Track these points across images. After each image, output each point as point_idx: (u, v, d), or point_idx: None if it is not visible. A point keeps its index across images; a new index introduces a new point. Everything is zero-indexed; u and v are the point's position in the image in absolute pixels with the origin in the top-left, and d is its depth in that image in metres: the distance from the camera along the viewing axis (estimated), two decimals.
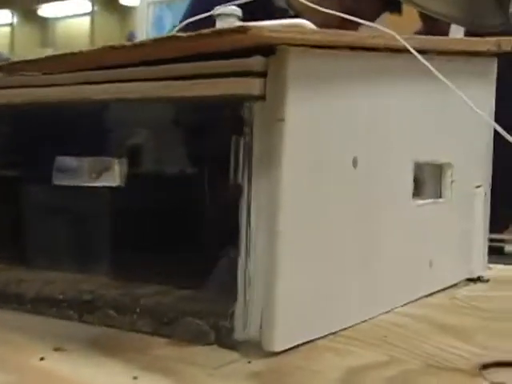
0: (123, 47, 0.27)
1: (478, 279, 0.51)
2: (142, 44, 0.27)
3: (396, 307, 0.40)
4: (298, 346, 0.31)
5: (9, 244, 0.42)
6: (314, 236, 0.32)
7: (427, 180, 0.46)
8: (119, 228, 0.38)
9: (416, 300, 0.42)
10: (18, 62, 0.31)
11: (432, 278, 0.45)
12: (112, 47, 0.27)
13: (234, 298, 0.31)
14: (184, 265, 0.33)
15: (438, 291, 0.45)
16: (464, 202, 0.49)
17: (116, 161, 0.37)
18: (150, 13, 3.45)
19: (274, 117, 0.30)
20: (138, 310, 0.34)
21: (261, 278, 0.30)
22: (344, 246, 0.35)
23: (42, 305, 0.37)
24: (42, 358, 0.29)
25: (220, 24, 1.27)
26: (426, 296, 0.44)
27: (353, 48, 0.33)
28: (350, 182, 0.35)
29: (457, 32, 1.03)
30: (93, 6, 3.62)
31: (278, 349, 0.30)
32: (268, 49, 0.29)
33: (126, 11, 3.76)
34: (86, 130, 0.40)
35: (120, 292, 0.35)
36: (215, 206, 0.32)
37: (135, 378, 0.27)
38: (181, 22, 1.45)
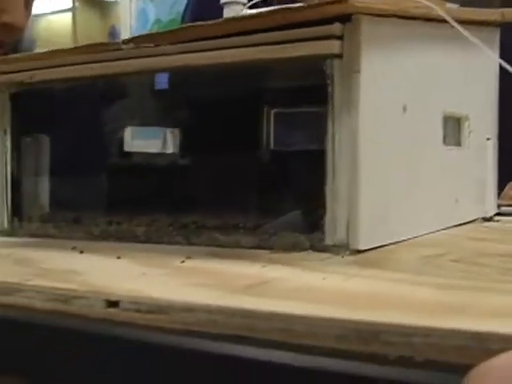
0: (243, 18, 0.36)
1: (491, 219, 0.60)
2: (260, 14, 0.36)
3: (432, 232, 0.49)
4: (374, 249, 0.40)
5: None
6: (380, 162, 0.41)
7: (449, 131, 0.56)
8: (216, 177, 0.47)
9: (447, 228, 0.52)
10: (140, 36, 0.39)
11: (457, 213, 0.54)
12: (235, 19, 0.36)
13: (324, 212, 0.40)
14: (279, 190, 0.42)
15: (462, 224, 0.55)
16: (478, 151, 0.58)
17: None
18: (132, 6, 3.48)
19: (351, 69, 0.39)
20: (241, 230, 0.42)
21: (345, 194, 0.39)
22: (397, 172, 0.44)
23: (153, 236, 0.46)
24: (182, 261, 0.38)
25: (227, 12, 1.37)
26: (454, 226, 0.53)
27: (401, 17, 0.42)
28: (401, 123, 0.44)
29: None
30: (74, 1, 3.65)
31: (362, 247, 0.39)
32: (344, 17, 0.38)
33: (107, 6, 3.80)
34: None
35: (220, 220, 0.44)
36: (305, 142, 0.41)
37: (264, 266, 0.36)
38: (185, 11, 1.52)
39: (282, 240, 0.41)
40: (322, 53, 0.39)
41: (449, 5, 0.56)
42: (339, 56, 0.39)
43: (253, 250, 0.41)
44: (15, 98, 0.51)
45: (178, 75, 0.50)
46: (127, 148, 0.59)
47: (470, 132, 0.56)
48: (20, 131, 0.52)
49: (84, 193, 0.52)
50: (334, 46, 0.39)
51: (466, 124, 0.56)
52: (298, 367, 0.24)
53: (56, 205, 0.51)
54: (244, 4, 1.34)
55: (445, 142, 0.53)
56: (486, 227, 0.53)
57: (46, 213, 0.51)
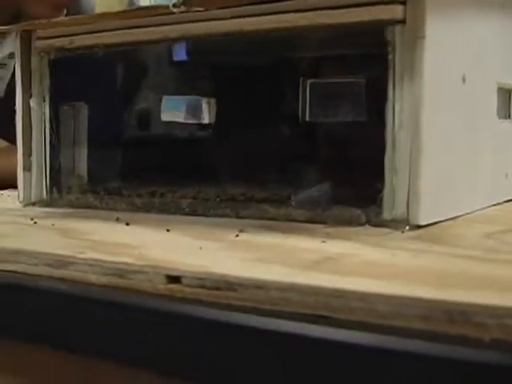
0: None
1: None
2: None
3: (485, 207, 0.47)
4: (433, 224, 0.38)
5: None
6: (441, 134, 0.39)
7: (499, 103, 0.53)
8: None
9: (497, 204, 0.50)
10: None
11: (507, 188, 0.52)
12: None
13: (383, 186, 0.38)
14: (337, 162, 0.40)
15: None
16: None
17: None
18: None
19: (415, 35, 0.37)
20: (292, 203, 0.41)
21: (405, 167, 0.37)
22: (457, 145, 0.42)
23: (199, 208, 0.44)
24: (237, 235, 0.36)
25: None
26: (505, 202, 0.51)
27: None
28: (460, 94, 0.42)
29: None
30: None
31: (422, 222, 0.37)
32: None
33: None
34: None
35: (269, 192, 0.43)
36: (363, 109, 0.39)
37: (323, 241, 0.34)
38: None
39: (336, 214, 0.39)
40: (385, 18, 0.37)
41: None
42: (402, 21, 0.37)
43: (305, 224, 0.40)
44: (54, 64, 0.49)
45: (212, 43, 0.48)
46: (164, 118, 0.57)
47: None
48: (59, 99, 0.50)
49: (124, 163, 0.50)
50: (397, 11, 0.37)
51: None
52: (381, 348, 0.23)
53: (96, 175, 0.50)
54: None
55: (498, 114, 0.51)
56: None
57: (86, 183, 0.49)
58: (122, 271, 0.30)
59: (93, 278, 0.30)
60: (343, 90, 0.40)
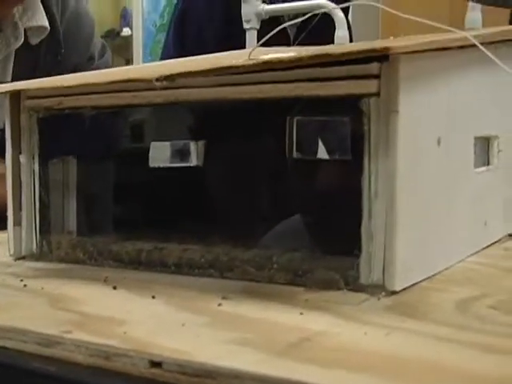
0: (280, 62, 0.36)
1: None
2: (300, 58, 0.35)
3: (464, 258, 0.49)
4: (409, 287, 0.40)
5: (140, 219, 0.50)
6: (416, 199, 0.40)
7: (478, 151, 0.55)
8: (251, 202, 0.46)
9: (477, 252, 0.51)
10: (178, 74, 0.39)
11: (487, 235, 0.54)
12: (271, 61, 0.36)
13: (359, 252, 0.39)
14: (313, 228, 0.42)
15: (491, 244, 0.54)
16: (507, 169, 0.58)
17: None
18: None
19: (389, 109, 0.38)
20: (274, 265, 0.42)
21: (381, 234, 0.39)
22: (432, 206, 0.43)
23: (185, 267, 0.46)
24: (219, 304, 0.38)
25: (246, 7, 1.35)
26: (483, 249, 0.53)
27: (436, 49, 0.42)
28: (436, 157, 0.43)
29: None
30: None
31: (398, 288, 0.39)
32: (381, 56, 0.38)
33: None
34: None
35: (253, 253, 0.44)
36: (340, 180, 0.41)
37: (301, 313, 0.36)
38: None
39: (316, 278, 0.41)
40: (360, 92, 0.38)
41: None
42: (377, 95, 0.38)
43: (286, 287, 0.41)
44: (43, 122, 0.50)
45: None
46: (152, 163, 0.59)
47: (498, 151, 0.55)
48: (48, 154, 0.51)
49: (112, 219, 0.52)
50: (371, 85, 0.38)
51: (496, 143, 0.55)
52: None
53: (85, 231, 0.51)
54: (263, 0, 1.32)
55: (475, 164, 0.52)
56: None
57: (75, 238, 0.51)
58: (107, 353, 0.31)
59: (79, 358, 0.32)
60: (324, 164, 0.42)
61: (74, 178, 0.53)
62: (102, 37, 4.21)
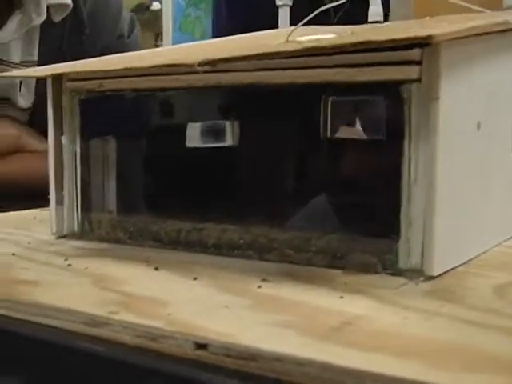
0: (324, 48, 0.36)
1: None
2: (343, 45, 0.36)
3: (501, 242, 0.49)
4: (447, 272, 0.40)
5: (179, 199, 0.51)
6: (454, 184, 0.41)
7: None
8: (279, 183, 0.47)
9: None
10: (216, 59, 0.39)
11: None
12: (314, 48, 0.36)
13: (398, 237, 0.40)
14: (356, 211, 0.42)
15: None
16: None
17: None
18: None
19: (429, 96, 0.38)
20: (313, 248, 0.43)
21: (420, 220, 0.39)
22: (470, 191, 0.43)
23: (224, 248, 0.46)
24: (259, 286, 0.38)
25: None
26: None
27: (478, 34, 0.42)
28: (475, 141, 0.43)
29: None
30: None
31: (436, 273, 0.39)
32: (423, 42, 0.38)
33: None
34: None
35: (290, 235, 0.45)
36: (382, 163, 0.41)
37: (341, 297, 0.36)
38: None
39: (354, 261, 0.41)
40: (401, 78, 0.39)
41: None
42: (418, 81, 0.38)
43: (325, 270, 0.42)
44: (84, 103, 0.51)
45: None
46: (190, 143, 0.59)
47: None
48: (89, 135, 0.52)
49: (151, 199, 0.52)
50: (413, 72, 0.38)
51: None
52: None
53: (125, 210, 0.52)
54: None
55: None
56: None
57: (115, 218, 0.52)
58: (153, 335, 0.32)
59: (126, 338, 0.33)
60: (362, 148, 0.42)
61: (114, 158, 0.53)
62: (131, 11, 4.21)
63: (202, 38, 3.54)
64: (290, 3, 1.25)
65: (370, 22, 1.18)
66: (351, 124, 0.42)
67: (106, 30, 1.05)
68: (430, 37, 0.34)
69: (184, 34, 3.62)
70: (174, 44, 3.64)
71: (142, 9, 4.22)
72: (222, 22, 1.45)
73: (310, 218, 0.45)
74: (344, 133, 0.48)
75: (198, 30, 3.57)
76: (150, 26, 4.23)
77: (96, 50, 0.96)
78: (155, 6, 4.04)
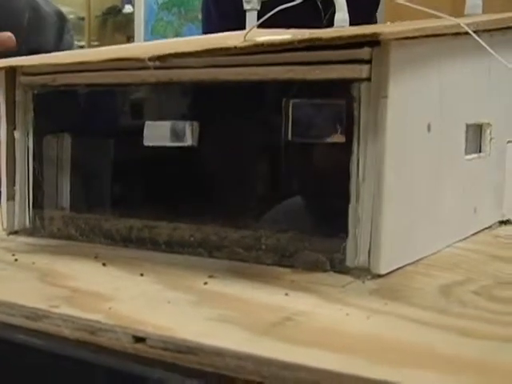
0: (272, 45, 0.36)
1: (508, 221, 0.60)
2: (291, 41, 0.36)
3: (451, 244, 0.49)
4: (394, 271, 0.40)
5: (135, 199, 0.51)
6: (403, 184, 0.41)
7: (469, 138, 0.55)
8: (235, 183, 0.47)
9: (465, 238, 0.52)
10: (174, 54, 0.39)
11: (476, 221, 0.54)
12: (263, 44, 0.36)
13: (346, 235, 0.40)
14: (303, 210, 0.42)
15: (480, 231, 0.55)
16: (499, 156, 0.58)
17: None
18: None
19: (379, 94, 0.38)
20: (262, 246, 0.43)
21: (367, 218, 0.39)
22: (422, 191, 0.44)
23: (175, 246, 0.46)
24: (205, 283, 0.38)
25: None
26: (472, 235, 0.53)
27: (428, 36, 0.42)
28: (425, 142, 0.44)
29: None
30: None
31: (383, 272, 0.39)
32: (373, 42, 0.38)
33: None
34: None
35: (241, 233, 0.44)
36: (330, 162, 0.41)
37: (286, 294, 0.36)
38: None
39: (303, 259, 0.41)
40: (351, 76, 0.39)
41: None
42: (368, 79, 0.39)
43: (274, 268, 0.42)
44: (38, 98, 0.51)
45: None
46: (146, 142, 0.59)
47: (491, 139, 0.56)
48: (42, 130, 0.52)
49: (104, 196, 0.52)
50: (362, 70, 0.38)
51: (488, 131, 0.56)
52: None
53: (76, 206, 0.51)
54: None
55: (466, 151, 0.53)
56: (504, 237, 0.53)
57: (67, 214, 0.51)
58: (93, 328, 0.32)
59: (66, 332, 0.32)
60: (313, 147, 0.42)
61: (68, 154, 0.53)
62: (103, 14, 4.16)
63: None
64: (258, 7, 1.25)
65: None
66: (303, 124, 0.42)
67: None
68: (376, 34, 0.34)
69: (156, 37, 3.61)
70: None
71: (114, 11, 4.21)
72: (212, 26, 1.46)
73: (262, 217, 0.44)
74: (302, 135, 0.48)
75: (169, 33, 3.56)
76: (122, 29, 4.22)
77: None
78: (127, 9, 4.02)
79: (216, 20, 1.46)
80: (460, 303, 0.34)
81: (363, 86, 0.39)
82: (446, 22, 0.43)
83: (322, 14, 1.46)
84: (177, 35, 3.51)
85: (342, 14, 1.20)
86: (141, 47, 0.54)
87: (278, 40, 0.36)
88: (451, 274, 0.41)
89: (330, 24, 1.24)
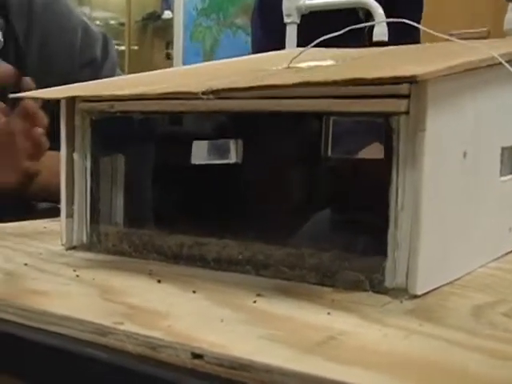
0: (317, 84, 0.39)
1: None
2: (335, 82, 0.39)
3: (486, 264, 0.52)
4: (430, 292, 0.43)
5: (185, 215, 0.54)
6: (439, 210, 0.44)
7: (505, 159, 0.58)
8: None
9: (499, 258, 0.54)
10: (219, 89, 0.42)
11: (510, 241, 0.57)
12: (305, 83, 0.39)
13: (385, 257, 0.43)
14: (347, 231, 0.45)
15: None
16: None
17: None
18: None
19: (417, 128, 0.41)
20: (306, 266, 0.46)
21: (406, 243, 0.42)
22: (455, 215, 0.46)
23: (223, 263, 0.49)
24: (254, 301, 0.41)
25: (287, 2, 1.39)
26: (506, 254, 0.56)
27: (466, 70, 0.45)
28: (461, 169, 0.46)
29: None
30: None
31: (419, 292, 0.42)
32: (411, 78, 0.41)
33: None
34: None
35: (286, 252, 0.48)
36: (372, 190, 0.44)
37: (329, 313, 0.39)
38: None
39: (343, 279, 0.44)
40: (391, 110, 0.41)
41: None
42: (406, 113, 0.41)
43: (316, 287, 0.45)
44: (95, 123, 0.54)
45: None
46: (194, 160, 0.63)
47: None
48: (99, 152, 0.55)
49: (156, 213, 0.55)
50: (401, 105, 0.41)
51: None
52: None
53: (131, 224, 0.55)
54: None
55: (501, 172, 0.55)
56: None
57: (122, 231, 0.55)
58: (153, 345, 0.35)
59: (129, 347, 0.36)
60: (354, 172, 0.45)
61: (122, 174, 0.56)
62: (143, 19, 4.24)
63: (212, 47, 3.58)
64: (298, 21, 1.28)
65: (375, 42, 1.22)
66: (346, 148, 0.45)
67: (60, 57, 1.00)
68: (414, 76, 0.37)
69: (194, 43, 3.66)
70: (184, 53, 3.68)
71: (153, 17, 4.28)
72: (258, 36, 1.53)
73: (306, 235, 0.48)
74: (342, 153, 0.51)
75: (208, 39, 3.61)
76: (162, 34, 4.28)
77: (51, 79, 0.86)
78: (167, 14, 4.09)
79: (261, 32, 1.52)
80: (490, 325, 0.37)
81: (402, 119, 0.42)
82: (480, 55, 0.46)
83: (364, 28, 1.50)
84: (215, 41, 3.55)
85: (381, 28, 1.23)
86: (191, 75, 0.57)
87: (322, 81, 0.39)
88: (483, 294, 0.43)
89: (371, 34, 1.27)
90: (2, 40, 0.88)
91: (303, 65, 0.55)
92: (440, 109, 0.42)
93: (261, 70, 0.55)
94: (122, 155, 0.56)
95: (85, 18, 1.06)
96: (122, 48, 4.28)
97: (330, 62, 0.56)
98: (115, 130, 0.55)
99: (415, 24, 0.47)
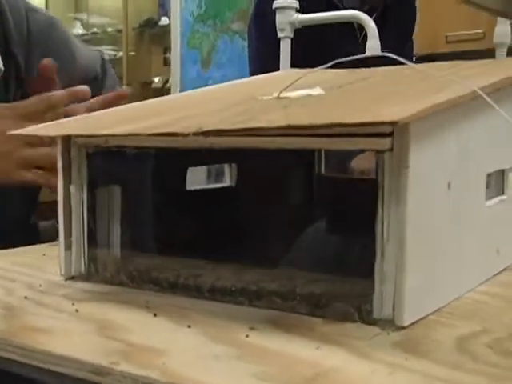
0: (302, 127, 0.41)
1: None
2: (319, 126, 0.40)
3: (475, 287, 0.53)
4: (417, 321, 0.45)
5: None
6: (426, 241, 0.45)
7: (491, 183, 0.59)
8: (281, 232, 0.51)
9: (488, 279, 0.56)
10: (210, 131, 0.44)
11: (499, 262, 0.58)
12: (294, 127, 0.41)
13: (373, 289, 0.44)
14: (335, 264, 0.47)
15: (503, 270, 0.59)
16: None
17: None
18: None
19: (400, 165, 0.43)
20: (297, 297, 0.47)
21: (392, 274, 0.43)
22: (441, 244, 0.48)
23: (217, 294, 0.51)
24: (247, 336, 0.43)
25: (280, 17, 1.43)
26: (496, 275, 0.57)
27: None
28: (446, 199, 0.48)
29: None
30: None
31: (406, 324, 0.43)
32: (392, 123, 0.42)
33: None
34: None
35: (278, 283, 0.49)
36: (359, 224, 0.45)
37: (318, 348, 0.41)
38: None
39: (333, 310, 0.46)
40: (375, 148, 0.43)
41: None
42: (390, 150, 0.43)
43: (307, 317, 0.46)
44: (91, 156, 0.56)
45: None
46: (189, 186, 0.64)
47: None
48: (95, 184, 0.57)
49: (152, 244, 0.57)
50: (385, 143, 0.43)
51: (510, 175, 0.59)
52: None
53: (127, 254, 0.56)
54: (296, 9, 1.37)
55: (487, 196, 0.57)
56: None
57: (119, 262, 0.56)
58: None
59: None
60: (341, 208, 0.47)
61: (118, 205, 0.58)
62: (140, 26, 4.27)
63: (210, 53, 3.60)
64: (291, 35, 1.30)
65: (369, 56, 1.23)
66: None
67: (61, 80, 1.00)
68: (394, 122, 0.39)
69: (192, 49, 3.67)
70: (182, 60, 3.70)
71: (150, 23, 4.29)
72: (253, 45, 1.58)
73: (297, 266, 0.49)
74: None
75: (205, 45, 3.62)
76: (159, 41, 4.30)
77: None
78: (164, 21, 4.10)
79: (257, 42, 1.55)
80: (472, 358, 0.38)
81: (386, 155, 0.43)
82: (461, 90, 0.47)
83: (358, 34, 1.52)
84: (212, 47, 3.57)
85: (373, 42, 1.24)
86: (182, 107, 0.59)
87: (307, 125, 0.41)
88: (469, 323, 0.45)
89: (365, 44, 1.29)
90: (3, 69, 0.89)
91: (293, 94, 0.56)
92: (423, 145, 0.44)
93: (252, 98, 0.57)
94: (118, 187, 0.58)
95: (82, 44, 1.10)
96: (120, 54, 4.30)
97: (318, 92, 0.57)
98: (111, 163, 0.57)
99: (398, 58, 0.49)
